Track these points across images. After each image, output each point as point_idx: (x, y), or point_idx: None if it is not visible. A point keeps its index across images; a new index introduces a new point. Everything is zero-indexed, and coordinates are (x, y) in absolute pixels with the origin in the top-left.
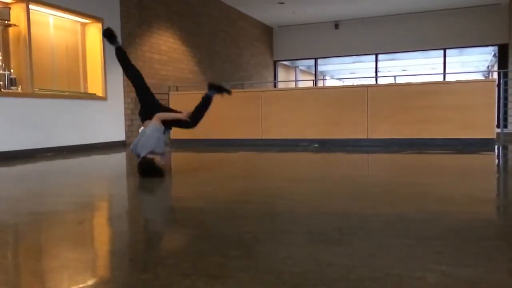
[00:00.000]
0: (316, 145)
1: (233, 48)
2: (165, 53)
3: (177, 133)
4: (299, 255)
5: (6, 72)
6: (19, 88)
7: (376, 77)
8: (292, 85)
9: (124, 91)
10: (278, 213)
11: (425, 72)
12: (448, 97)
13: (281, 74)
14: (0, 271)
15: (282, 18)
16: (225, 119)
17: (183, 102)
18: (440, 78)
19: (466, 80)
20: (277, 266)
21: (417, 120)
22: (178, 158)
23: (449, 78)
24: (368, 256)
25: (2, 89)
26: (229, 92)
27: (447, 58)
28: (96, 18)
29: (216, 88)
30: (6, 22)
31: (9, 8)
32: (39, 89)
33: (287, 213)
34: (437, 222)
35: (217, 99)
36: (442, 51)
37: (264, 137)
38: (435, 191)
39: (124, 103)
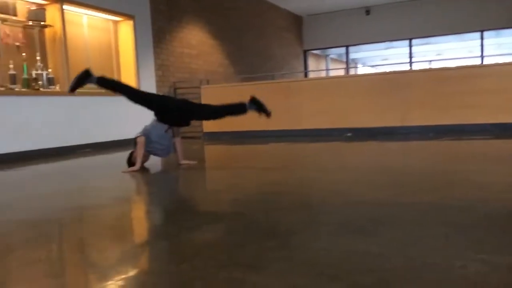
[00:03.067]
0: (349, 134)
1: (262, 39)
2: (195, 47)
3: (208, 125)
4: (334, 245)
5: (44, 72)
6: (57, 87)
7: (410, 63)
8: (323, 74)
9: (157, 87)
10: (312, 204)
11: (461, 56)
12: (486, 81)
13: (312, 64)
14: (47, 263)
15: (311, 6)
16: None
17: (214, 95)
18: (477, 61)
19: (504, 62)
20: (312, 256)
21: (454, 106)
22: (210, 151)
23: (486, 61)
24: (404, 245)
25: (41, 89)
26: (267, 114)
27: (484, 41)
28: (127, 16)
29: (257, 105)
30: (42, 23)
31: (44, 9)
32: None
33: (321, 203)
34: (476, 210)
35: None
36: (479, 34)
37: (295, 128)
38: (473, 178)
39: None
